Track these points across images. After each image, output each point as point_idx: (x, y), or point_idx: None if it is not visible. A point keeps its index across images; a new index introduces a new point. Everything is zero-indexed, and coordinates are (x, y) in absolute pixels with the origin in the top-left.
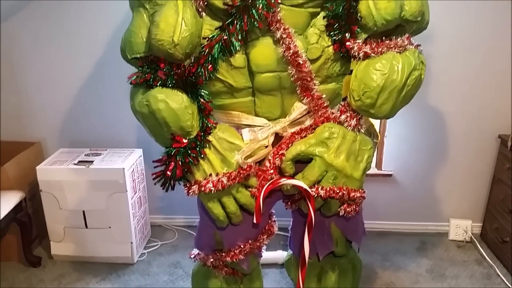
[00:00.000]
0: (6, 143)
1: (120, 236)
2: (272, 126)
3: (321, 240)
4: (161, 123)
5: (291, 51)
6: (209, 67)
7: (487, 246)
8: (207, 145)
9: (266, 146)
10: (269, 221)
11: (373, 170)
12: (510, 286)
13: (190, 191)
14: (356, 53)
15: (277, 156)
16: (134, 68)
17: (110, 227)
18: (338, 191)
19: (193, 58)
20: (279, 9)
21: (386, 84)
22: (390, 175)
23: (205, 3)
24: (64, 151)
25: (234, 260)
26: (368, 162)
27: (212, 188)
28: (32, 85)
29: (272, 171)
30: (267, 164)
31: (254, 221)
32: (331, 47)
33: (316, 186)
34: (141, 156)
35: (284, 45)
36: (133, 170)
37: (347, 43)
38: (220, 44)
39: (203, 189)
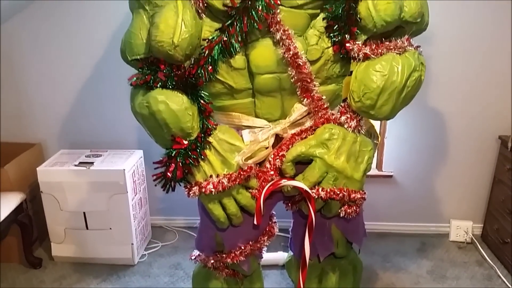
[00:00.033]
0: (7, 144)
1: (120, 237)
2: (272, 127)
3: (321, 241)
4: (161, 124)
5: (291, 52)
6: (209, 69)
7: (487, 247)
8: (208, 147)
9: (267, 148)
10: (270, 222)
11: (373, 171)
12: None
13: (190, 193)
14: (356, 55)
15: (277, 157)
16: (134, 69)
17: (110, 229)
18: (338, 192)
19: (193, 59)
20: (278, 10)
21: (386, 85)
22: (391, 176)
23: (205, 5)
24: (64, 152)
25: (235, 262)
26: (368, 163)
27: (213, 190)
28: (33, 86)
29: (272, 172)
30: (268, 165)
31: (255, 222)
32: (331, 48)
33: (316, 187)
34: (142, 157)
35: (284, 46)
36: (133, 172)
37: (347, 45)
38: (220, 45)
39: (203, 190)
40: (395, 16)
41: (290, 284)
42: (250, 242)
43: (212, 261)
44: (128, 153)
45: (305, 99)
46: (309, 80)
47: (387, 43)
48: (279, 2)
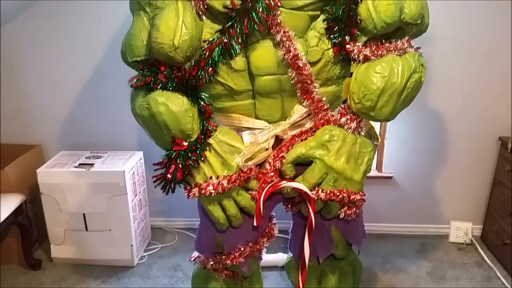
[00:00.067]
0: (7, 145)
1: (120, 239)
2: (273, 128)
3: (321, 242)
4: (161, 126)
5: (291, 54)
6: (209, 70)
7: (487, 248)
8: (208, 148)
9: (267, 149)
10: (269, 224)
11: (373, 172)
12: None
13: (190, 194)
14: (356, 56)
15: (277, 158)
16: (134, 71)
17: (110, 230)
18: (338, 193)
19: (193, 61)
20: (279, 12)
21: (386, 87)
22: (391, 177)
23: (205, 6)
24: (64, 154)
25: (234, 263)
26: (368, 165)
27: (213, 191)
28: (33, 88)
29: (272, 173)
30: (268, 166)
31: (254, 223)
32: (331, 50)
33: (316, 188)
34: (142, 159)
35: (284, 48)
36: (133, 173)
37: (347, 46)
38: (221, 47)
39: (203, 192)
40: (395, 18)
41: (290, 285)
42: (250, 244)
43: (212, 263)
44: (128, 155)
45: (305, 100)
46: (309, 82)
47: (387, 44)
48: (279, 3)
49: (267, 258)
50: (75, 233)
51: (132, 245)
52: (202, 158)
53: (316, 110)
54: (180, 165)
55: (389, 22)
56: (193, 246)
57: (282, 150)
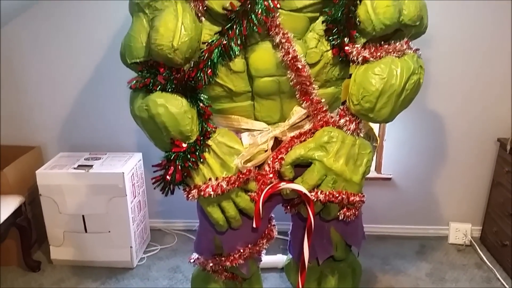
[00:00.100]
0: (6, 147)
1: (119, 241)
2: (272, 130)
3: (320, 244)
4: (160, 127)
5: (290, 55)
6: (208, 72)
7: (486, 249)
8: (207, 150)
9: (266, 150)
10: (269, 225)
11: (372, 173)
12: None
13: (189, 196)
14: (355, 58)
15: (276, 160)
16: (133, 72)
17: (109, 232)
18: (337, 195)
19: (192, 62)
20: (278, 14)
21: (385, 89)
22: (390, 178)
23: (205, 8)
24: (63, 155)
25: (234, 265)
26: (367, 166)
27: (212, 193)
28: (32, 88)
29: (271, 175)
30: (267, 168)
31: (254, 225)
32: (330, 51)
33: (315, 190)
34: (141, 160)
35: (283, 49)
36: (132, 174)
37: (346, 48)
38: (220, 48)
39: (202, 193)
40: (394, 19)
41: (289, 287)
42: (249, 245)
43: (211, 264)
44: (127, 156)
45: (304, 102)
46: (308, 83)
47: (386, 46)
48: (278, 5)
49: (267, 259)
50: (75, 234)
51: (131, 247)
52: (201, 160)
53: (315, 112)
54: (179, 167)
55: (388, 23)
56: (193, 248)
57: (281, 152)
